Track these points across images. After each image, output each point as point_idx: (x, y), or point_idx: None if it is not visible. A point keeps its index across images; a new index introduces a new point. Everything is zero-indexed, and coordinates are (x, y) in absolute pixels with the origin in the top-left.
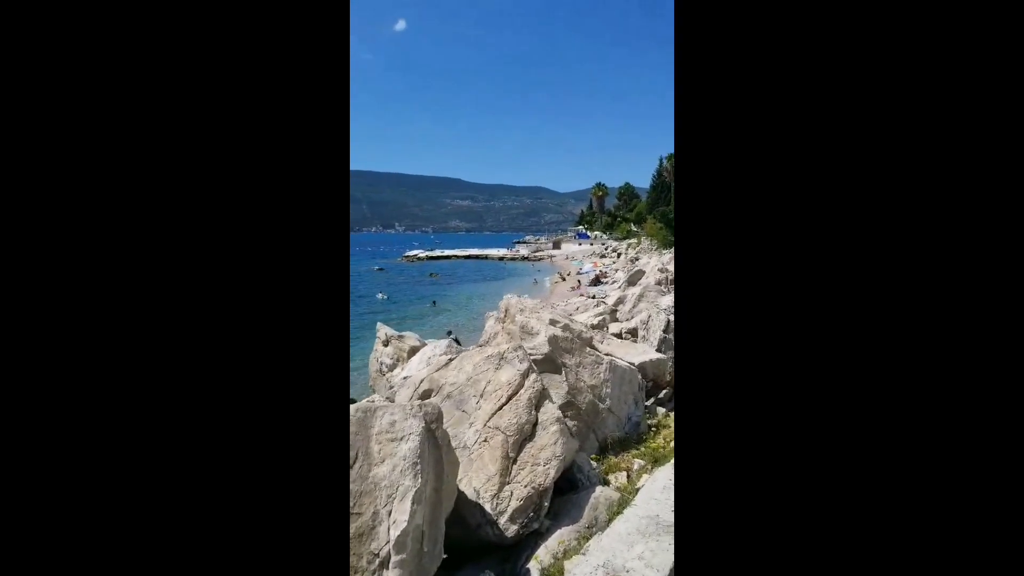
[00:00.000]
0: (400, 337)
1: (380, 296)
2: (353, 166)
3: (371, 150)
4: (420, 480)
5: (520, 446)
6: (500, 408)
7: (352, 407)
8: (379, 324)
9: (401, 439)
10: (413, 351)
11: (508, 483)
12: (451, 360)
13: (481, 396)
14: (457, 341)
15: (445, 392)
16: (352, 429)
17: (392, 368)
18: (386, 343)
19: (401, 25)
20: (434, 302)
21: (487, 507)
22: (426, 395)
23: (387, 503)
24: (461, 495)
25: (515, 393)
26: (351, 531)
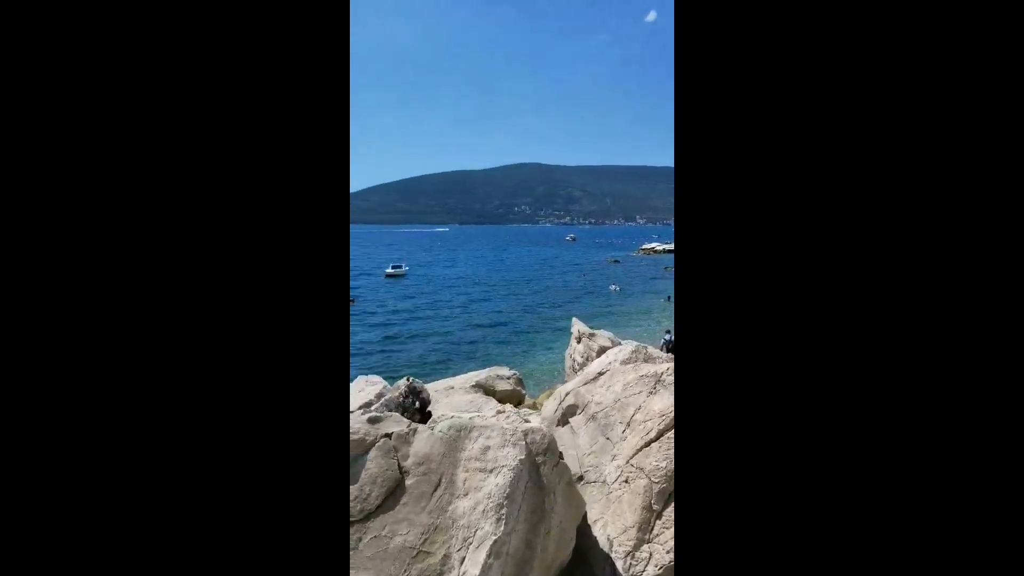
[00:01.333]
0: (592, 335)
1: (613, 288)
2: (598, 161)
3: (618, 144)
4: (503, 528)
5: (668, 498)
6: (647, 444)
7: (445, 423)
8: (574, 319)
9: (491, 471)
10: (602, 351)
11: (648, 541)
12: (601, 374)
13: (628, 425)
14: (671, 346)
15: (590, 412)
16: (439, 449)
17: (582, 367)
18: (579, 340)
19: (652, 16)
20: (669, 297)
21: (619, 564)
22: (571, 411)
23: (461, 547)
24: (591, 540)
25: (669, 429)
26: (416, 572)
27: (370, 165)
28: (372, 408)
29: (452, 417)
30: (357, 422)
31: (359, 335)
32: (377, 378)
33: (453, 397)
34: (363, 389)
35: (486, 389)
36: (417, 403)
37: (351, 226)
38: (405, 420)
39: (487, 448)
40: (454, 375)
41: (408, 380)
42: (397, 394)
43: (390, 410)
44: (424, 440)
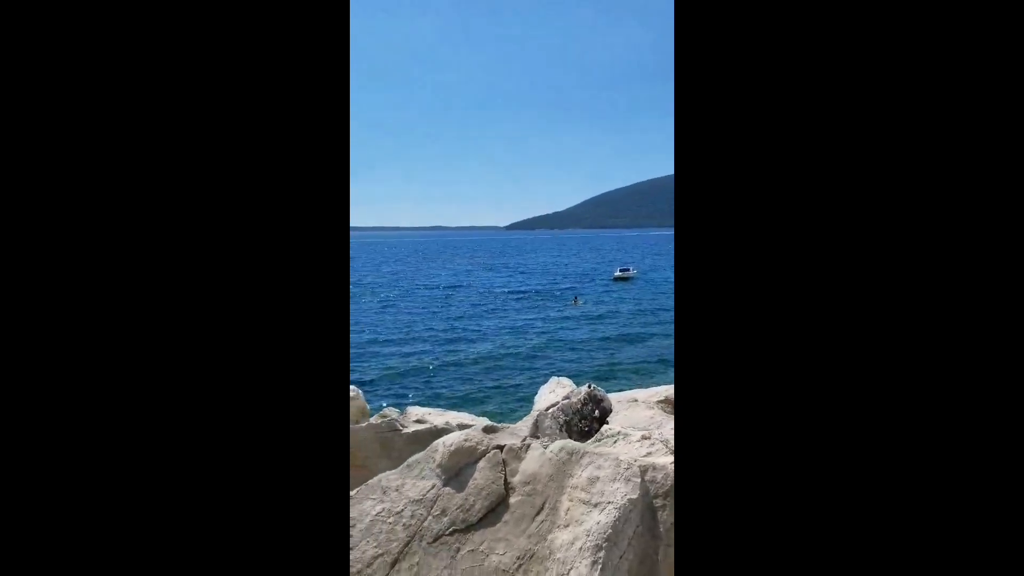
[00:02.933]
0: None
1: None
2: None
3: None
4: (599, 573)
5: None
6: None
7: (556, 445)
8: None
9: (596, 506)
10: None
11: None
12: None
13: None
14: None
15: None
16: (548, 471)
17: None
18: None
19: None
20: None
21: None
22: None
23: None
24: None
25: None
26: None
27: (584, 177)
28: (549, 412)
29: (618, 431)
30: (474, 430)
31: (573, 334)
32: (568, 381)
33: (633, 411)
34: (553, 390)
35: (673, 405)
36: (596, 412)
37: (576, 231)
38: (521, 433)
39: (595, 479)
40: (655, 385)
41: (589, 387)
42: (576, 400)
43: (567, 415)
44: (535, 458)
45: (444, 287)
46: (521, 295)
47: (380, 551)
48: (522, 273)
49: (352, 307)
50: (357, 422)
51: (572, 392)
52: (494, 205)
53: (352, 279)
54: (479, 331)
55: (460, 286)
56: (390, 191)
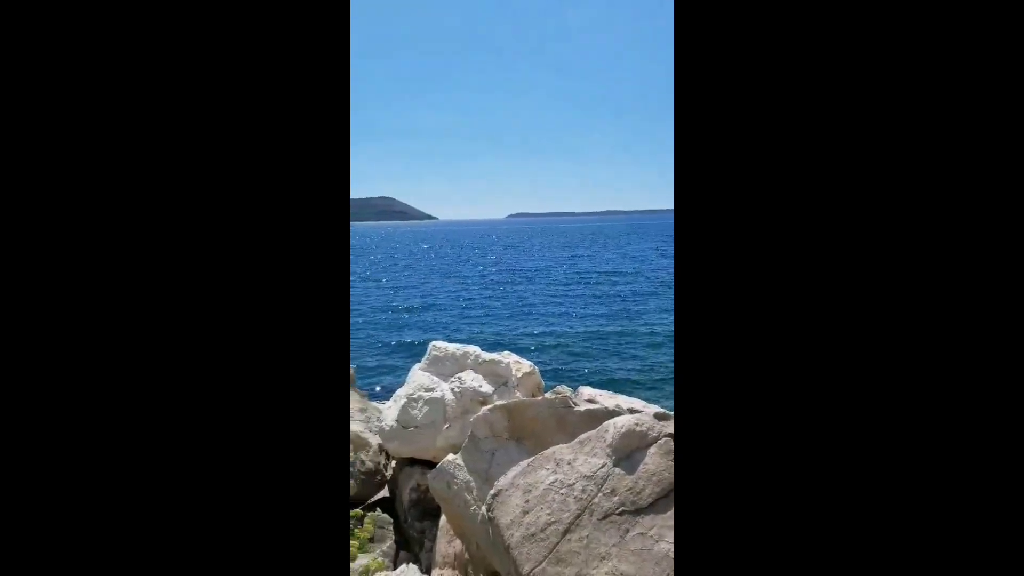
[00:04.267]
0: None
1: None
2: None
3: None
4: None
5: None
6: None
7: None
8: None
9: None
10: None
11: None
12: None
13: None
14: None
15: None
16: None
17: None
18: None
19: None
20: None
21: None
22: None
23: None
24: None
25: None
26: None
27: None
28: None
29: None
30: (644, 415)
31: None
32: None
33: None
34: None
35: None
36: None
37: None
38: None
39: None
40: None
41: None
42: None
43: None
44: None
45: (617, 273)
46: None
47: (553, 519)
48: None
49: (525, 291)
50: (533, 395)
51: None
52: (668, 186)
53: (524, 266)
54: (653, 320)
55: (631, 272)
56: (560, 176)
